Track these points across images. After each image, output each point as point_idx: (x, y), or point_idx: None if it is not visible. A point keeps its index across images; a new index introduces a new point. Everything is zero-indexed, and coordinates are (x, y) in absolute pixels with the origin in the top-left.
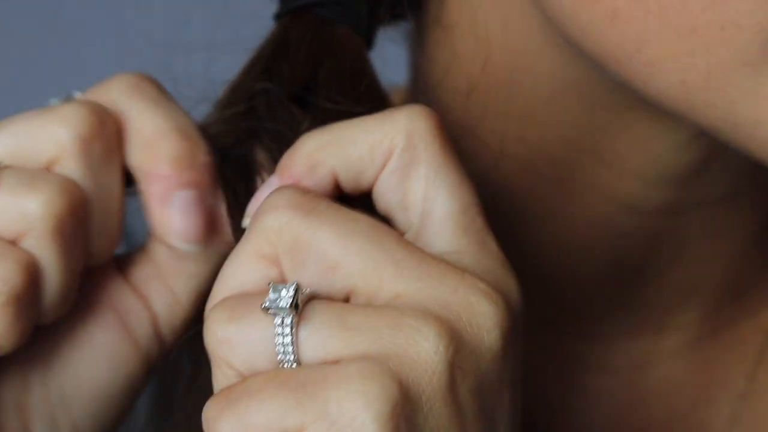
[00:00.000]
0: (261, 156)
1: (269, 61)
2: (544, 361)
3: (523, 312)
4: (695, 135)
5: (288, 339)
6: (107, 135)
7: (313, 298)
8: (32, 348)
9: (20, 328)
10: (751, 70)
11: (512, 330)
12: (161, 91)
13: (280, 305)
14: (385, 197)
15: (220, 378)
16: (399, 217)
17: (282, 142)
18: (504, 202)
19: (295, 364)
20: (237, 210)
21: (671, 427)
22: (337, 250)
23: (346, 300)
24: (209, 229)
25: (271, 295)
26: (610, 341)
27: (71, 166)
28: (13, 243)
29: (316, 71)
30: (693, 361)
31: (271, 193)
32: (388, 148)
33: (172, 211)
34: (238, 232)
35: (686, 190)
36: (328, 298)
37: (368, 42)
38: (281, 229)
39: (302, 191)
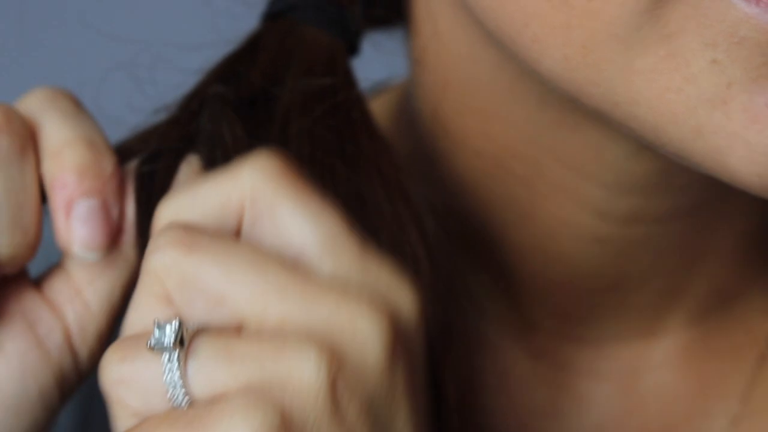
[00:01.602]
0: (194, 161)
1: (229, 65)
2: (531, 364)
3: (418, 319)
4: (643, 145)
5: (176, 375)
6: (14, 132)
7: (201, 331)
8: None
9: None
10: (621, 45)
11: (398, 343)
12: (75, 104)
13: (164, 343)
14: (262, 244)
15: (119, 418)
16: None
17: (216, 145)
18: (481, 202)
19: (186, 399)
20: (147, 222)
21: None
22: (222, 283)
23: (239, 330)
24: (110, 238)
25: (156, 334)
26: (599, 345)
27: None
28: None
29: (280, 73)
30: (686, 370)
31: (156, 233)
32: (237, 205)
33: (73, 220)
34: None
35: (652, 199)
36: (221, 330)
37: (351, 45)
38: (167, 269)
39: (184, 229)
